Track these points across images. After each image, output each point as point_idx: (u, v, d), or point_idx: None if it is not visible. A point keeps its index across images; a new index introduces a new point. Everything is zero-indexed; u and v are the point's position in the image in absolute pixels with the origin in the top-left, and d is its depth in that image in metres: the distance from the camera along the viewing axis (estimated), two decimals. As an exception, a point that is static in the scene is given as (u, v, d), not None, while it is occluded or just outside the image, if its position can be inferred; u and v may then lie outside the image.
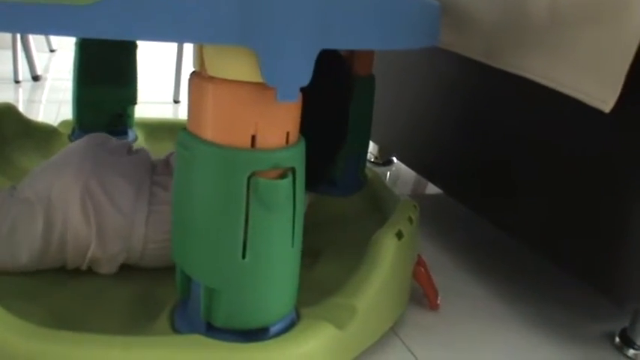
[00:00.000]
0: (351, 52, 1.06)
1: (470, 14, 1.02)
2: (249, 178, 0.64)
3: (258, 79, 0.59)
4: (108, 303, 0.85)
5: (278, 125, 0.64)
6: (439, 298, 1.01)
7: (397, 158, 1.67)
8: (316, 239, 1.03)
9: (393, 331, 0.93)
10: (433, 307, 1.00)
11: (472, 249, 1.25)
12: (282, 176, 0.66)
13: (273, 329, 0.73)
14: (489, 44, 0.99)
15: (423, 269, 0.98)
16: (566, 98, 0.83)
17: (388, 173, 1.68)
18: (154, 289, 0.86)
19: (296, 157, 0.66)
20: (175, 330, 0.75)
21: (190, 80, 0.66)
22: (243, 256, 0.67)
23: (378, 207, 1.12)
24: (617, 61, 0.78)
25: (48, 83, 2.34)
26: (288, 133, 0.66)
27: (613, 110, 0.78)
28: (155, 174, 0.91)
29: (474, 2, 1.01)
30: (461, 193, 1.21)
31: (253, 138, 0.64)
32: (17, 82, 2.23)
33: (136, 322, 0.80)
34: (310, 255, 0.96)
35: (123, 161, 0.93)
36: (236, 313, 0.71)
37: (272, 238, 0.67)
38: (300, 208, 0.69)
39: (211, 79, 0.63)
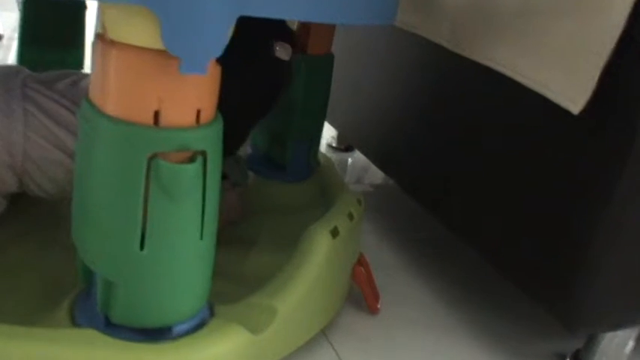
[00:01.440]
0: (305, 26, 0.97)
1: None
2: (149, 160, 0.55)
3: (160, 46, 0.50)
4: (20, 283, 0.79)
5: (186, 101, 0.56)
6: (379, 301, 0.92)
7: (353, 145, 1.59)
8: (253, 227, 0.97)
9: (325, 335, 0.86)
10: (372, 310, 0.93)
11: (421, 249, 1.18)
12: (191, 160, 0.56)
13: (177, 329, 0.65)
14: (454, 29, 0.91)
15: (363, 269, 0.90)
16: (537, 96, 0.76)
17: (349, 160, 1.59)
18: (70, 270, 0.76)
19: (208, 139, 0.58)
20: (74, 322, 0.68)
21: (93, 44, 0.57)
22: (141, 248, 0.59)
23: (326, 197, 1.03)
24: (592, 58, 0.71)
25: (8, 42, 2.23)
26: (199, 111, 0.57)
27: (583, 114, 0.71)
28: (32, 81, 0.85)
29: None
30: (414, 188, 1.13)
31: (156, 114, 0.55)
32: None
33: (41, 308, 0.72)
34: (245, 243, 0.91)
35: None
36: (134, 310, 0.63)
37: (175, 230, 0.59)
38: (214, 196, 0.61)
39: (113, 43, 0.55)
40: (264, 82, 0.89)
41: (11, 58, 2.09)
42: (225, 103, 0.64)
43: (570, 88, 0.72)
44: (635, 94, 0.71)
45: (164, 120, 0.56)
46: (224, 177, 0.88)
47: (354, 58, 1.33)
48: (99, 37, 0.57)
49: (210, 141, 0.59)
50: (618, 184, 0.73)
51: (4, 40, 2.22)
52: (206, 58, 0.51)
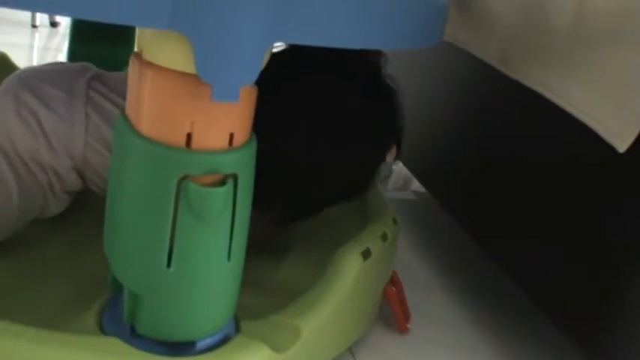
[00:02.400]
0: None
1: (487, 11, 0.92)
2: (180, 182, 0.55)
3: (193, 70, 0.50)
4: (50, 282, 0.80)
5: (219, 125, 0.56)
6: (410, 321, 0.92)
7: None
8: (289, 235, 0.98)
9: (351, 352, 0.85)
10: (402, 330, 0.92)
11: (455, 267, 1.16)
12: (221, 183, 0.56)
13: (201, 344, 0.66)
14: (504, 49, 0.89)
15: (394, 289, 0.89)
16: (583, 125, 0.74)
17: (394, 167, 1.58)
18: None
19: (240, 162, 0.58)
20: (102, 328, 0.69)
21: (131, 61, 0.58)
22: (168, 265, 0.59)
23: (363, 209, 1.02)
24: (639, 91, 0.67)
25: (66, 31, 2.27)
26: (231, 135, 0.57)
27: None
28: (97, 83, 0.86)
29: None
30: (451, 203, 1.11)
31: (189, 137, 0.55)
32: (34, 26, 2.16)
33: (75, 304, 0.74)
34: (279, 252, 0.93)
35: (54, 68, 0.90)
36: (159, 323, 0.64)
37: (203, 250, 0.60)
38: (244, 218, 0.62)
39: (149, 64, 0.55)
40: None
41: (62, 43, 2.11)
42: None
43: (619, 122, 0.70)
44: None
45: (196, 143, 0.56)
46: None
47: (397, 72, 1.32)
48: (135, 55, 0.58)
49: (242, 164, 0.59)
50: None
51: (61, 28, 2.25)
52: (238, 86, 0.51)
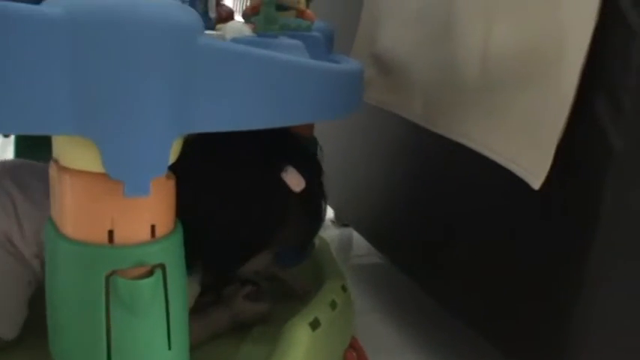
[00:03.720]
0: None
1: (407, 73, 0.96)
2: (108, 277, 0.57)
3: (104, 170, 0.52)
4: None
5: (139, 219, 0.58)
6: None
7: (349, 223, 1.59)
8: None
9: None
10: (367, 394, 0.91)
11: (423, 327, 1.17)
12: (149, 274, 0.58)
13: None
14: (426, 106, 0.93)
15: (355, 353, 0.89)
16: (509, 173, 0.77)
17: (354, 233, 1.59)
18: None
19: (165, 252, 0.60)
20: None
21: (50, 168, 0.60)
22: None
23: (321, 281, 1.03)
24: (548, 131, 0.72)
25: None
26: (153, 226, 0.58)
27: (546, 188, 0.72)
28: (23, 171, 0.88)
29: (411, 60, 0.95)
30: (408, 266, 1.13)
31: (111, 233, 0.57)
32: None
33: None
34: (241, 333, 0.93)
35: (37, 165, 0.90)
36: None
37: (140, 342, 0.61)
38: (179, 305, 0.63)
39: (65, 169, 0.57)
40: (259, 207, 0.85)
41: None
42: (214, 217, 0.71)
43: (532, 162, 0.73)
44: (596, 169, 0.70)
45: (118, 238, 0.58)
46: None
47: (346, 138, 1.35)
48: (53, 162, 0.60)
49: (168, 253, 0.60)
50: (589, 258, 0.72)
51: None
52: (147, 179, 0.53)
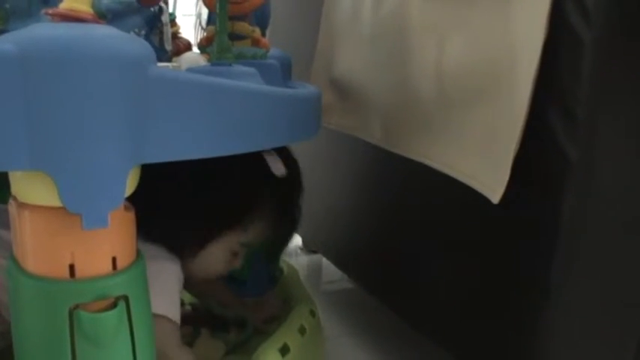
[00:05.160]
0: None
1: (365, 97, 0.97)
2: (71, 312, 0.56)
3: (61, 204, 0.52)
4: None
5: (99, 252, 0.58)
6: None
7: (316, 249, 1.59)
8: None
9: None
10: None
11: (394, 349, 1.17)
12: (113, 306, 0.58)
13: None
14: (385, 128, 0.94)
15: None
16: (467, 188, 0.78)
17: (324, 259, 1.59)
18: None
19: (128, 283, 0.60)
20: None
21: (9, 205, 0.60)
22: (76, 395, 0.58)
23: (289, 309, 1.03)
24: (504, 144, 0.72)
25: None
26: (114, 258, 0.58)
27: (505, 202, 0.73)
28: None
29: (368, 82, 0.96)
30: (379, 290, 1.13)
31: (72, 267, 0.57)
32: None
33: None
34: None
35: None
36: None
37: (107, 375, 0.59)
38: (145, 335, 0.63)
39: (23, 204, 0.57)
40: (237, 176, 0.85)
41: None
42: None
43: (491, 177, 0.74)
44: (553, 179, 0.71)
45: (80, 272, 0.58)
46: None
47: (310, 164, 1.35)
48: (12, 198, 0.60)
49: (131, 284, 0.60)
50: (550, 274, 0.73)
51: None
52: (105, 212, 0.53)
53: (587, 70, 0.69)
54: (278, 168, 0.85)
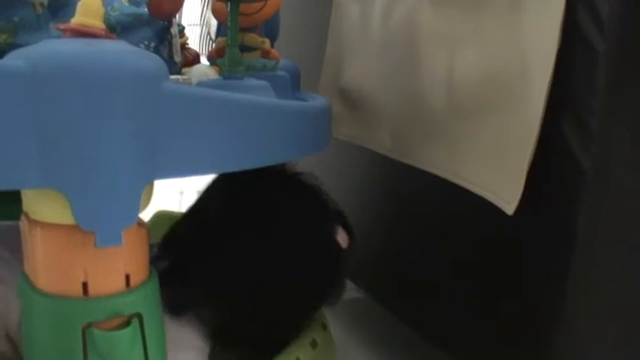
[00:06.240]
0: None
1: (374, 107, 0.96)
2: (84, 330, 0.56)
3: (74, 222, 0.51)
4: None
5: (112, 269, 0.58)
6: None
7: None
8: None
9: None
10: None
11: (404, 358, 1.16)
12: (126, 325, 0.57)
13: None
14: (395, 139, 0.93)
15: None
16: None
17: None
18: None
19: (141, 301, 0.60)
20: None
21: (21, 222, 0.59)
22: (90, 415, 0.58)
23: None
24: (518, 155, 0.72)
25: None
26: (127, 276, 0.58)
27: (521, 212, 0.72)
28: None
29: (378, 93, 0.96)
30: (388, 299, 1.13)
31: (85, 285, 0.56)
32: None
33: None
34: None
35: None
36: None
37: (120, 394, 0.58)
38: (158, 354, 0.62)
39: (35, 222, 0.56)
40: (320, 266, 0.83)
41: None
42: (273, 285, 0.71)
43: (503, 188, 0.74)
44: (567, 190, 0.71)
45: (93, 290, 0.57)
46: None
47: (317, 174, 1.35)
48: (24, 216, 0.59)
49: (144, 303, 0.60)
50: (566, 285, 0.72)
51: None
52: (119, 229, 0.53)
53: (601, 81, 0.69)
54: (344, 240, 0.85)
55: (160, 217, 1.26)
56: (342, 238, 0.84)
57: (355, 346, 1.20)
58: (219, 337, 0.80)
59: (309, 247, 0.80)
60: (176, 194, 2.18)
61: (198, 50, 1.13)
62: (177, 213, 1.30)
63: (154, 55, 0.55)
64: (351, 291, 1.47)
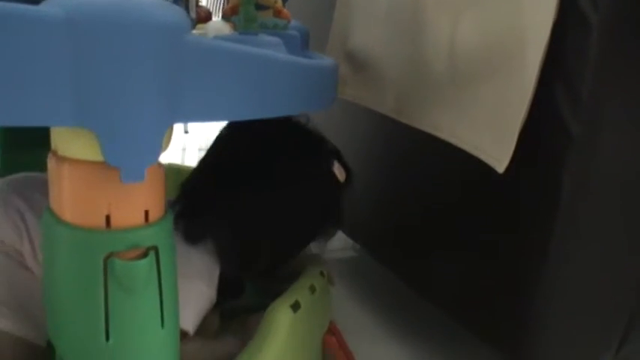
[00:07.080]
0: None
1: (380, 68, 1.01)
2: (105, 260, 0.61)
3: (102, 158, 0.56)
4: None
5: (134, 204, 0.63)
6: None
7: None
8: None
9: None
10: (348, 375, 0.96)
11: (401, 312, 1.23)
12: (144, 256, 0.63)
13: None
14: (399, 100, 0.98)
15: (335, 338, 0.94)
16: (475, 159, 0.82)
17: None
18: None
19: (158, 235, 0.64)
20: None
21: (49, 159, 0.64)
22: (107, 339, 0.64)
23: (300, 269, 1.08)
24: (511, 117, 0.77)
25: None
26: (147, 211, 0.63)
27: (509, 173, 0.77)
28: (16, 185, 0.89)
29: (383, 56, 1.00)
30: (384, 255, 1.18)
31: (108, 218, 0.61)
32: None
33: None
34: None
35: (41, 177, 0.88)
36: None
37: (136, 320, 0.65)
38: (171, 286, 0.67)
39: (64, 158, 0.61)
40: (321, 195, 0.92)
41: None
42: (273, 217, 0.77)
43: (496, 147, 0.79)
44: (555, 153, 0.76)
45: (115, 223, 0.62)
46: None
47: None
48: (52, 153, 0.64)
49: (161, 236, 0.65)
50: (550, 241, 0.77)
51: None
52: (143, 167, 0.58)
53: (594, 51, 0.73)
54: (341, 174, 0.92)
55: (168, 169, 1.30)
56: (339, 171, 0.91)
57: (348, 298, 1.25)
58: (226, 266, 0.88)
59: (310, 178, 0.89)
60: (179, 150, 2.22)
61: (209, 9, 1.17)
62: (184, 166, 1.36)
63: (179, 9, 0.59)
64: (347, 250, 1.53)
